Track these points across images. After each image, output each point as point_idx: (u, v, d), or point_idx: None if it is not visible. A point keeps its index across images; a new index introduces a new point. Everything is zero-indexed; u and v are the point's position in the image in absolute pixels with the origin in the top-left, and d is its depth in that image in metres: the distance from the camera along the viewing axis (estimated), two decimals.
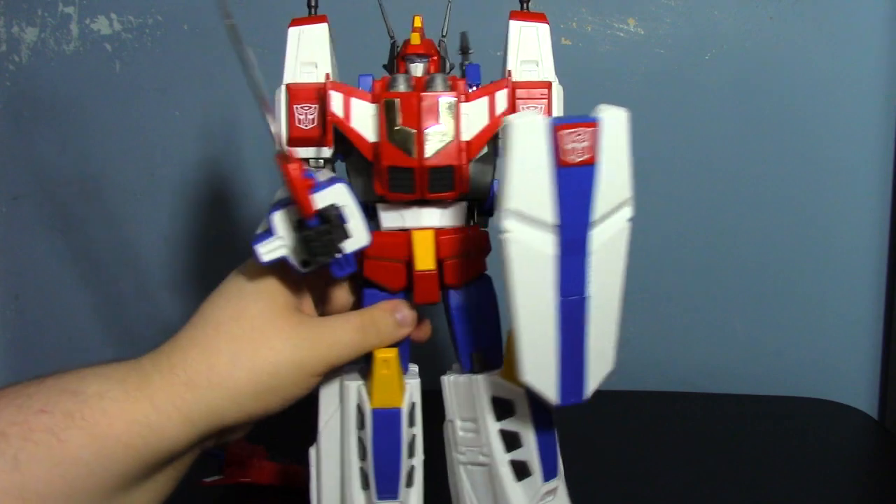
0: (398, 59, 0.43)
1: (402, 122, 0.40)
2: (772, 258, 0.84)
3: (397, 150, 0.40)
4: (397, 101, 0.40)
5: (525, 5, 0.45)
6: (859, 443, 0.74)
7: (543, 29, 0.45)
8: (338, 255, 0.38)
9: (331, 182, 0.38)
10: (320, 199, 0.37)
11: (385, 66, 0.45)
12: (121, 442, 0.35)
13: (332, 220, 0.37)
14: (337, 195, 0.38)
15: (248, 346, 0.38)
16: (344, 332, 0.40)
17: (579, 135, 0.36)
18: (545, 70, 0.45)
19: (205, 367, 0.37)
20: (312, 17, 0.43)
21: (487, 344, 0.44)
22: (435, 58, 0.44)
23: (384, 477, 0.42)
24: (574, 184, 0.36)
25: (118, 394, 0.36)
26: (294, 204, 0.37)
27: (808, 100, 0.80)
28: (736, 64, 0.80)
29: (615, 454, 0.66)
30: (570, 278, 0.38)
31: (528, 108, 0.43)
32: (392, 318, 0.41)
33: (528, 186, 0.35)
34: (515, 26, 0.44)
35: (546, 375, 0.38)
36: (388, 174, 0.40)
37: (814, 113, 0.81)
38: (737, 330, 0.85)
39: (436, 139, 0.40)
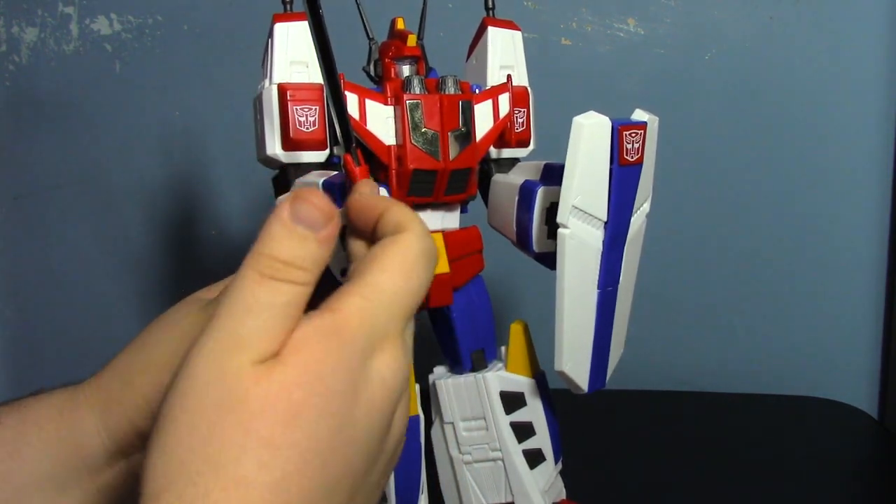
0: (388, 60, 0.42)
1: (425, 124, 0.39)
2: (772, 258, 0.84)
3: (422, 153, 0.39)
4: (421, 102, 0.39)
5: (491, 11, 0.45)
6: (859, 443, 0.73)
7: (518, 36, 0.45)
8: None
9: None
10: None
11: (364, 69, 0.44)
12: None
13: None
14: None
15: (141, 338, 0.39)
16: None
17: (634, 135, 0.37)
18: (520, 75, 0.45)
19: (109, 366, 0.40)
20: (298, 13, 0.41)
21: (487, 342, 0.44)
22: (421, 60, 0.43)
23: (406, 489, 0.41)
24: (626, 182, 0.38)
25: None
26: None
27: (808, 100, 0.80)
28: (736, 64, 0.80)
29: (615, 454, 0.66)
30: (609, 271, 0.39)
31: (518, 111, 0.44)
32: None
33: (589, 184, 0.37)
34: (494, 32, 0.44)
35: (581, 365, 0.40)
36: (412, 177, 0.39)
37: (813, 113, 0.81)
38: (737, 329, 0.85)
39: (458, 141, 0.40)
